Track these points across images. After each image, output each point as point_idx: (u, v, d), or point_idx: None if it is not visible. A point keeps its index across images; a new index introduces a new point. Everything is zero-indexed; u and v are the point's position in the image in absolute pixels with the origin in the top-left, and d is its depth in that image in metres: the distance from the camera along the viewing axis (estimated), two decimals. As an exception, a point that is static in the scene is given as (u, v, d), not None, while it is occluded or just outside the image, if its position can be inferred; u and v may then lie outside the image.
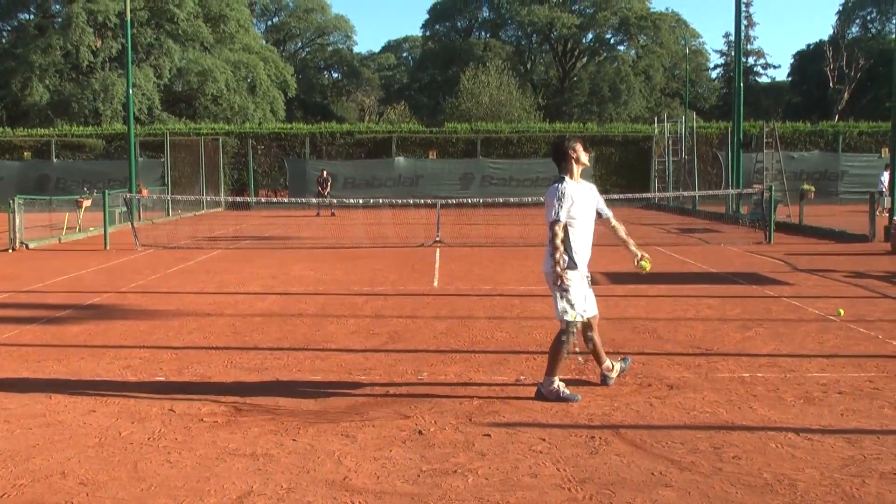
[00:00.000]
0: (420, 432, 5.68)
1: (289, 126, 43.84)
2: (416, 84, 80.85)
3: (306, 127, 42.95)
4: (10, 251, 18.44)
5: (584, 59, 77.71)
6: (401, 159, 38.18)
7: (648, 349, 8.17)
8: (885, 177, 27.75)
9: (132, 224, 20.99)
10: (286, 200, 31.91)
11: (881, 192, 24.79)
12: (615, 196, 27.24)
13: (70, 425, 5.91)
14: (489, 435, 5.61)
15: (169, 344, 8.61)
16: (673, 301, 11.06)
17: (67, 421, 6.01)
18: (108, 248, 18.91)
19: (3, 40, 57.65)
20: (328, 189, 32.22)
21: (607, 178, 37.77)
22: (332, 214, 31.13)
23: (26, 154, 38.59)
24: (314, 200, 29.89)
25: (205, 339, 8.79)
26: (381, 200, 27.22)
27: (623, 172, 38.19)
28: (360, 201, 25.88)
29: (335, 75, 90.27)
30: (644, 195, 31.01)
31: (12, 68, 53.10)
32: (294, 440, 5.55)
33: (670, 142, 35.04)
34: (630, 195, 27.59)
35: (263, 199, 32.08)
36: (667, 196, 31.84)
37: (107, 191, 21.05)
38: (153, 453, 5.33)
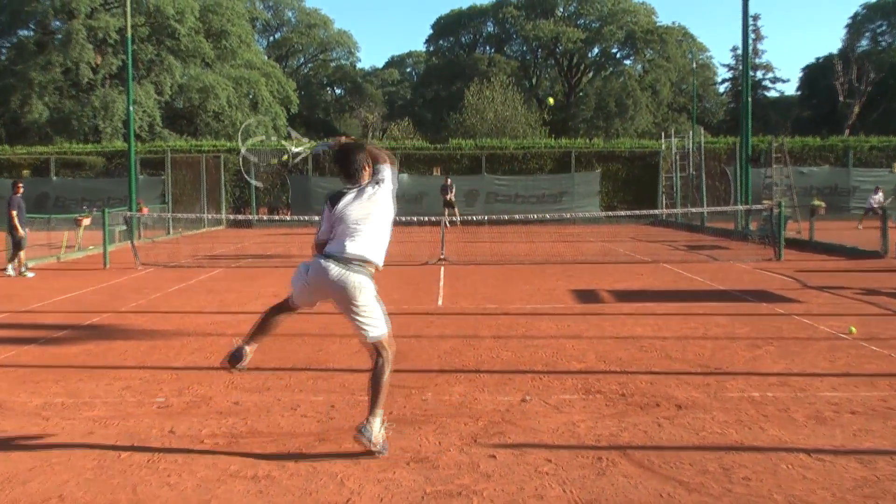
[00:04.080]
0: (424, 454, 5.67)
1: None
2: (420, 100, 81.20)
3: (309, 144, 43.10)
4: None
5: (590, 74, 78.00)
6: (405, 176, 38.15)
7: (657, 368, 8.15)
8: (879, 196, 31.43)
9: (132, 242, 21.01)
10: (288, 218, 31.96)
11: (870, 209, 28.52)
12: (622, 212, 27.28)
13: (68, 448, 5.90)
14: (494, 456, 5.60)
15: (169, 364, 8.61)
16: (681, 319, 11.02)
17: (65, 444, 6.01)
18: (107, 266, 18.91)
19: (3, 57, 57.89)
20: (451, 195, 32.56)
21: (614, 194, 37.78)
22: (452, 223, 31.23)
23: (25, 172, 38.65)
24: (436, 218, 29.57)
25: (206, 360, 8.79)
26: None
27: (630, 188, 38.17)
28: (364, 219, 25.84)
29: (338, 91, 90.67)
30: (651, 211, 30.94)
31: (11, 86, 53.31)
32: (296, 462, 5.55)
33: (678, 157, 35.06)
34: (637, 211, 27.57)
35: (265, 217, 32.13)
36: (674, 212, 31.82)
37: (106, 209, 21.10)
38: (153, 476, 5.32)
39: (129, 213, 23.36)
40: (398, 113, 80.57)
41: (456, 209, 31.69)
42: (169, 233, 31.22)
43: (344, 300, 5.80)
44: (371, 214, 5.83)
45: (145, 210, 28.89)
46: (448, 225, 31.57)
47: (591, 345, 9.32)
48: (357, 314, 5.85)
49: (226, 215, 35.37)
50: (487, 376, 7.91)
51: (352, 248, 5.77)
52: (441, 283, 15.33)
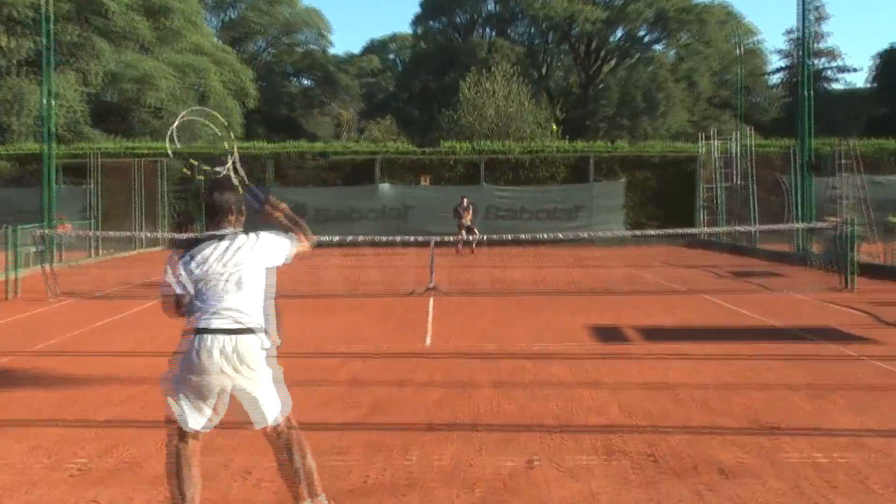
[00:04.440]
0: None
1: (248, 145, 43.93)
2: (405, 93, 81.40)
3: (269, 146, 43.01)
4: None
5: (613, 62, 78.28)
6: (386, 186, 38.24)
7: (695, 424, 8.10)
8: None
9: (49, 266, 20.92)
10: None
11: None
12: (652, 231, 27.27)
13: (-38, 523, 5.82)
14: (495, 535, 5.53)
15: (91, 418, 8.53)
16: (725, 363, 10.98)
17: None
18: (16, 296, 18.83)
19: None
20: (469, 218, 32.29)
21: (641, 209, 37.82)
22: (472, 252, 31.27)
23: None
24: (451, 239, 29.57)
25: (138, 412, 8.70)
26: (360, 237, 27.16)
27: (661, 202, 38.19)
28: (336, 238, 25.81)
29: (305, 82, 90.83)
30: (688, 230, 31.06)
31: None
32: (247, 542, 5.46)
33: (720, 164, 35.13)
34: (670, 230, 27.61)
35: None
36: (716, 231, 31.84)
37: (16, 226, 21.00)
38: (67, 560, 5.24)
39: (43, 231, 23.25)
40: (379, 109, 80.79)
41: (476, 233, 31.12)
42: (93, 255, 31.12)
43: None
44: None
45: (68, 227, 28.77)
46: (461, 247, 31.66)
47: (614, 394, 9.28)
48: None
49: (165, 234, 35.29)
50: (486, 434, 7.84)
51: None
52: (430, 318, 15.30)
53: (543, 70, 79.67)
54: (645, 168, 39.19)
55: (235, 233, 5.76)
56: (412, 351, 12.16)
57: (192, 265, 5.56)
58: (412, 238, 24.77)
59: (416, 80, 79.66)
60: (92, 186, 35.38)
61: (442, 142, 43.70)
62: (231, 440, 7.68)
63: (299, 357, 11.79)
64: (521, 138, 49.82)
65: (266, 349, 5.67)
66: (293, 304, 17.46)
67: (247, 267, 5.62)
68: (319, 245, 25.14)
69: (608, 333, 13.41)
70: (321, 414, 8.57)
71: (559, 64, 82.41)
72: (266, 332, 5.69)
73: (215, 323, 5.46)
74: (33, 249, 24.91)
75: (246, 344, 5.51)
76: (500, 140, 46.00)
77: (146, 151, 39.55)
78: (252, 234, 5.78)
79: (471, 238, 31.08)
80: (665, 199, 38.29)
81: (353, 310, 16.40)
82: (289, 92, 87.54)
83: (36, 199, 32.08)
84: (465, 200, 32.78)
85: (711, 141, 36.77)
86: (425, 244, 21.50)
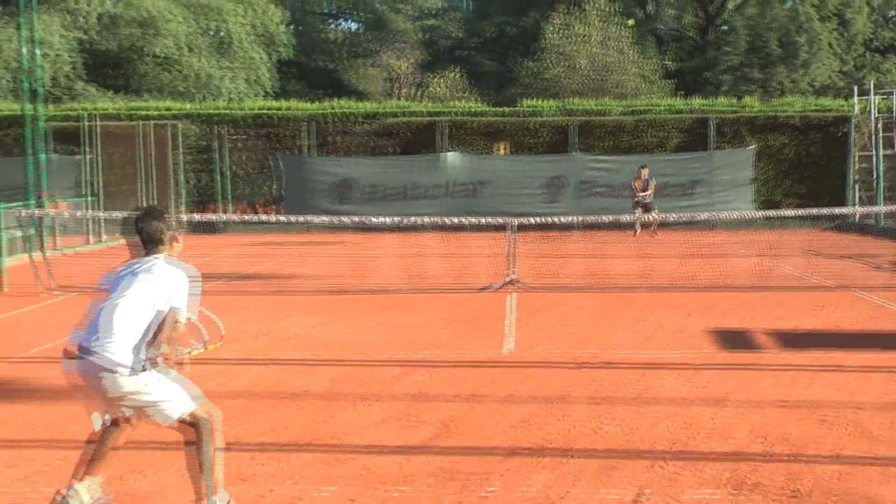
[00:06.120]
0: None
1: (281, 105, 44.15)
2: (476, 40, 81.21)
3: (307, 106, 43.17)
4: None
5: (739, -1, 77.58)
6: (452, 156, 38.17)
7: (848, 452, 8.11)
8: None
9: (41, 254, 21.15)
10: (277, 220, 31.99)
11: None
12: (789, 212, 27.02)
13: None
14: (597, 582, 5.63)
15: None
16: (887, 377, 10.96)
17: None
18: (1, 290, 19.14)
19: None
20: (650, 192, 31.88)
21: (776, 184, 37.43)
22: (653, 235, 31.10)
23: None
24: (628, 217, 29.40)
25: (151, 433, 8.86)
26: (422, 220, 27.26)
27: (802, 174, 37.81)
28: (392, 220, 25.97)
29: (351, 26, 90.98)
30: (837, 210, 30.71)
31: None
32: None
33: (880, 125, 34.71)
34: (813, 211, 27.34)
35: (242, 218, 32.23)
36: (874, 211, 31.50)
37: (-2, 204, 21.32)
38: None
39: (30, 212, 23.51)
40: (442, 59, 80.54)
41: (656, 213, 30.66)
42: (92, 241, 31.46)
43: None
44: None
45: (62, 206, 29.12)
46: (639, 229, 31.52)
47: (743, 414, 9.31)
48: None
49: (182, 213, 35.58)
50: (582, 461, 7.93)
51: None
52: (510, 319, 15.38)
53: (649, 9, 79.12)
54: (781, 132, 38.74)
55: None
56: (489, 359, 12.24)
57: None
58: (486, 220, 24.82)
59: (488, 24, 79.44)
60: (88, 156, 35.59)
61: (522, 100, 43.59)
62: (268, 466, 7.86)
63: (352, 365, 11.98)
64: (621, 95, 49.56)
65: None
66: (343, 301, 17.69)
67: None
68: (368, 228, 25.35)
69: (734, 339, 13.39)
70: (380, 435, 8.72)
71: (670, 0, 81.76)
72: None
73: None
74: (19, 234, 25.21)
75: None
76: (595, 98, 45.83)
77: (154, 112, 39.87)
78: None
79: (648, 218, 30.60)
80: (807, 171, 37.89)
81: (414, 309, 16.55)
82: (329, 39, 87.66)
83: (18, 173, 32.46)
84: (646, 171, 32.18)
85: (868, 97, 36.27)
86: (503, 228, 21.48)
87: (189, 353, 7.14)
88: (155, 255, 6.77)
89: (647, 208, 30.82)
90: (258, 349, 13.03)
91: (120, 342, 6.36)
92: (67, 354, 6.60)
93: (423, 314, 15.82)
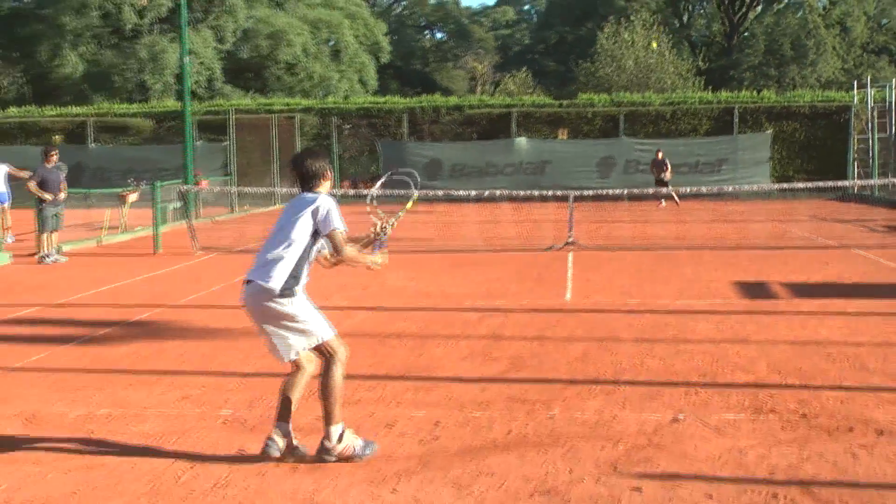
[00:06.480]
0: (552, 484, 5.65)
1: (382, 100, 44.27)
2: (541, 46, 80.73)
3: (404, 101, 43.23)
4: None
5: (759, 8, 76.23)
6: (523, 140, 38.14)
7: (849, 382, 7.98)
8: None
9: (189, 223, 21.43)
10: (378, 192, 32.10)
11: None
12: (800, 184, 26.67)
13: (116, 469, 6.07)
14: (640, 489, 5.55)
15: (237, 370, 8.82)
16: (882, 320, 10.77)
17: (112, 464, 6.17)
18: (159, 251, 19.40)
19: (28, -1, 58.97)
20: (667, 173, 32.10)
21: (789, 162, 36.99)
22: (677, 204, 30.98)
23: (57, 138, 39.29)
24: (649, 190, 28.79)
25: (281, 364, 8.92)
26: (497, 192, 27.22)
27: (811, 154, 37.30)
28: (472, 193, 25.96)
29: (439, 36, 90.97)
30: (839, 182, 30.22)
31: (39, 33, 54.04)
32: (393, 491, 5.60)
33: (875, 113, 34.08)
34: (820, 183, 26.90)
35: (351, 192, 32.42)
36: (870, 184, 30.94)
37: (156, 182, 21.54)
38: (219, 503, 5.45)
39: (184, 187, 23.80)
40: (514, 62, 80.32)
41: (674, 196, 30.19)
42: (233, 210, 31.84)
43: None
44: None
45: (204, 183, 29.46)
46: (664, 202, 31.30)
47: (762, 351, 9.18)
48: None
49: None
50: (629, 389, 7.86)
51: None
52: (569, 274, 15.31)
53: (685, 18, 78.14)
54: (793, 119, 38.24)
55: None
56: (552, 306, 12.18)
57: None
58: (550, 192, 24.78)
59: (551, 32, 78.90)
60: (229, 143, 36.00)
61: (580, 94, 43.40)
62: (372, 392, 7.88)
63: (440, 311, 11.97)
64: (661, 90, 49.13)
65: None
66: (432, 259, 17.72)
67: None
68: (454, 200, 25.22)
69: (755, 290, 13.23)
70: (462, 367, 8.71)
71: (701, 12, 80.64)
72: None
73: None
74: (173, 206, 25.56)
75: None
76: (640, 92, 45.48)
77: (281, 108, 40.18)
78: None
79: (664, 191, 30.15)
80: (815, 151, 37.41)
81: (491, 265, 16.50)
82: (422, 46, 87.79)
83: (175, 157, 32.88)
84: (661, 153, 32.33)
85: (866, 90, 35.66)
86: (564, 199, 21.41)
87: (392, 223, 7.49)
88: (308, 191, 6.54)
89: (663, 183, 30.81)
90: (363, 297, 13.05)
91: (273, 270, 6.16)
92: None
93: (497, 269, 15.78)
